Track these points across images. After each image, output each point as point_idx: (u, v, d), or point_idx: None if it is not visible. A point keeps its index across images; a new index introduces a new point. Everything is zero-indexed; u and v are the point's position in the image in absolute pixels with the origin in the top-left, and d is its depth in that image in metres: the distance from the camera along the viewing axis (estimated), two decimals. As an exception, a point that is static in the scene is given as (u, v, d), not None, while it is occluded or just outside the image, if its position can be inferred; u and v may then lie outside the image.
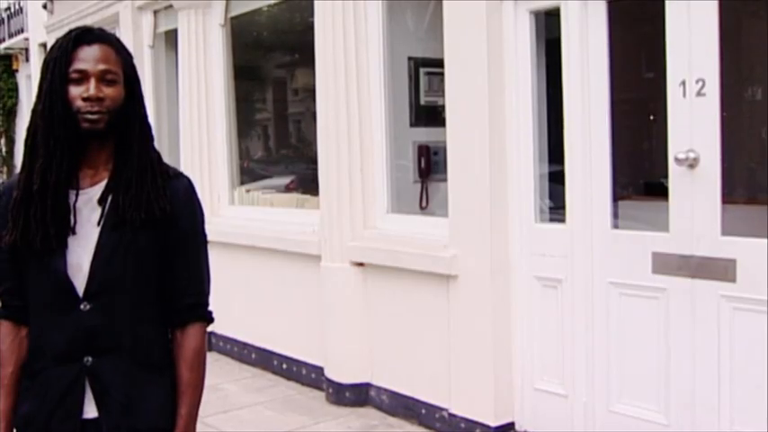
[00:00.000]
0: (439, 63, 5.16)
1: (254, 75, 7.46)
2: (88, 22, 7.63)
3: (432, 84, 5.20)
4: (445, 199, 5.10)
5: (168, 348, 1.92)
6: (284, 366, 5.43)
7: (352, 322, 4.78)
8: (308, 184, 6.49)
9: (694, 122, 3.26)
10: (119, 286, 1.82)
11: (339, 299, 4.81)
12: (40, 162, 1.80)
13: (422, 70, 5.16)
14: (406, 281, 4.44)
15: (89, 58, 1.80)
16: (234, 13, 6.11)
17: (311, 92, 7.10)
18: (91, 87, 1.79)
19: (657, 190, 5.87)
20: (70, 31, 1.84)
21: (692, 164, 3.26)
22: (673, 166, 3.32)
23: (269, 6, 6.06)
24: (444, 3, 4.08)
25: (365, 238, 4.74)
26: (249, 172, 6.85)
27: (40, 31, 9.77)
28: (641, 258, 3.50)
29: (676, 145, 3.32)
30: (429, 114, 5.24)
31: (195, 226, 1.94)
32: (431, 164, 5.18)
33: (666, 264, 3.41)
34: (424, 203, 5.17)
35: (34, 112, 1.84)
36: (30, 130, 1.85)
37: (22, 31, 13.38)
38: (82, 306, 1.81)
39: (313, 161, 7.33)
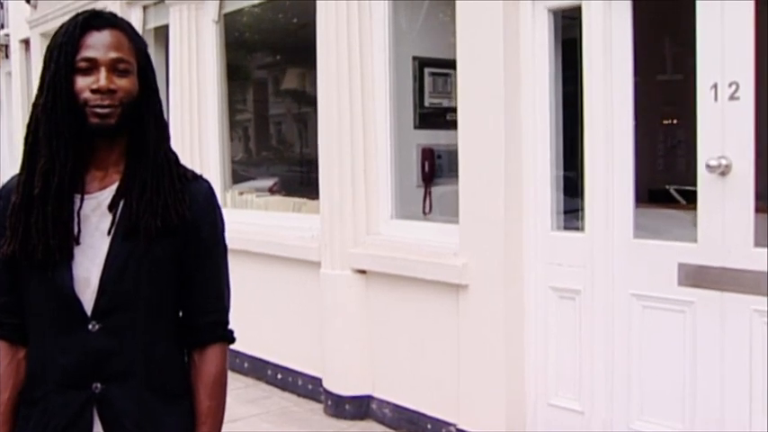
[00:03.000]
0: (444, 63, 5.01)
1: (248, 74, 7.24)
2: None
3: (436, 84, 5.02)
4: (448, 204, 4.93)
5: (185, 372, 1.71)
6: (279, 376, 5.22)
7: (353, 331, 4.58)
8: (291, 186, 6.29)
9: (726, 128, 3.10)
10: (131, 303, 1.61)
11: (339, 307, 4.61)
12: (41, 163, 1.59)
13: (426, 70, 4.97)
14: (411, 289, 4.24)
15: (99, 44, 1.59)
16: (228, 9, 5.90)
17: (301, 92, 6.94)
18: (101, 78, 1.58)
19: (662, 198, 5.75)
20: (77, 15, 1.63)
21: (724, 171, 3.10)
22: (703, 173, 3.16)
23: (265, 3, 5.85)
24: (457, 1, 3.89)
25: (368, 245, 4.54)
26: (233, 173, 6.62)
27: (21, 27, 9.45)
28: (666, 269, 3.33)
29: (706, 151, 3.15)
30: (433, 116, 5.05)
31: (216, 234, 1.73)
32: (434, 168, 5.00)
33: (694, 275, 3.24)
34: (427, 209, 4.98)
35: (35, 105, 1.63)
36: (30, 126, 1.64)
37: (2, 26, 13.03)
38: (90, 326, 1.59)
39: (298, 163, 7.16)
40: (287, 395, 5.10)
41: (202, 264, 1.70)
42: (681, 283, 3.29)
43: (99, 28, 1.61)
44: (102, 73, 1.58)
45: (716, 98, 3.12)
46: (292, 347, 5.10)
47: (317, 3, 4.63)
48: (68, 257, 1.59)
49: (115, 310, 1.60)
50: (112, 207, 1.62)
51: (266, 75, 7.57)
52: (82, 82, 1.58)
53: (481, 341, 3.85)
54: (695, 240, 3.25)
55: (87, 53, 1.59)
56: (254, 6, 5.96)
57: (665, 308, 3.35)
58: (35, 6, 8.24)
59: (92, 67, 1.58)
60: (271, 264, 5.17)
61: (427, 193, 4.99)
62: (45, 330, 1.63)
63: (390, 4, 4.59)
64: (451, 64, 4.97)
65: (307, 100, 6.92)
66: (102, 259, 1.60)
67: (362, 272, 4.54)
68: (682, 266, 3.29)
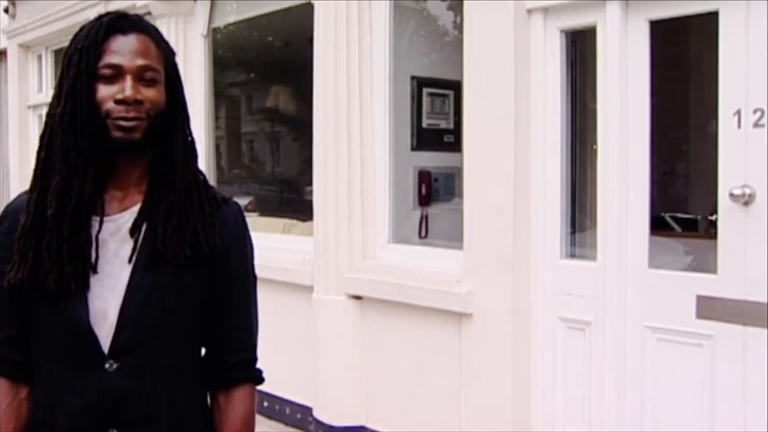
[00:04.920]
0: (442, 83, 4.90)
1: (225, 91, 7.07)
2: (54, 28, 7.18)
3: (434, 105, 4.89)
4: (445, 228, 4.79)
5: (210, 416, 1.54)
6: (265, 404, 5.01)
7: (347, 359, 4.40)
8: (267, 206, 6.13)
9: (750, 155, 2.99)
10: (154, 340, 1.44)
11: (332, 334, 4.43)
12: (56, 180, 1.42)
13: (425, 90, 4.83)
14: (410, 317, 4.08)
15: (125, 50, 1.43)
16: (218, 23, 5.74)
17: (281, 109, 6.80)
18: (127, 87, 1.41)
19: (656, 225, 5.67)
20: (101, 17, 1.47)
21: (748, 200, 2.99)
22: (725, 202, 3.05)
23: (254, 18, 5.69)
24: (465, 19, 3.77)
25: (364, 270, 4.38)
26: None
27: (-2, 37, 9.21)
28: (683, 301, 3.20)
29: (729, 179, 3.04)
30: (431, 138, 4.92)
31: (246, 264, 1.57)
32: (431, 190, 4.86)
33: (713, 308, 3.12)
34: (423, 233, 4.83)
35: (51, 116, 1.45)
36: (43, 138, 1.46)
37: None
38: (107, 365, 1.42)
39: (277, 182, 6.98)
40: (274, 424, 4.90)
41: (231, 296, 1.53)
42: (699, 316, 3.17)
43: (125, 31, 1.44)
44: (128, 82, 1.41)
45: (739, 125, 3.02)
46: (281, 374, 4.89)
47: (315, 17, 4.48)
48: (84, 287, 1.41)
49: (136, 347, 1.42)
50: (134, 231, 1.45)
51: (240, 92, 7.41)
52: (105, 91, 1.41)
53: (485, 372, 3.69)
54: (715, 272, 3.13)
55: (111, 59, 1.42)
56: (238, 23, 5.81)
57: (682, 341, 3.22)
58: (14, 16, 8.00)
59: (116, 74, 1.42)
60: (260, 287, 4.96)
61: (423, 217, 4.84)
62: (54, 369, 1.44)
63: (392, 18, 4.45)
64: (449, 84, 4.87)
65: (286, 117, 6.79)
66: (121, 290, 1.43)
67: (358, 297, 4.37)
68: (700, 298, 3.17)
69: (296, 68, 6.41)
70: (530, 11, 3.59)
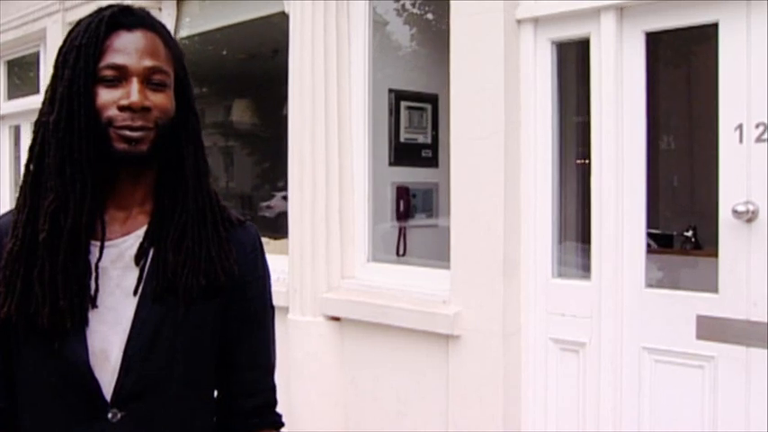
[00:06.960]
0: (422, 97, 4.77)
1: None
2: (8, 37, 6.87)
3: (412, 119, 4.74)
4: (424, 246, 4.64)
5: None
6: (235, 431, 4.78)
7: (325, 384, 4.20)
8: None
9: (752, 171, 2.90)
10: (163, 384, 1.25)
11: (309, 356, 4.22)
12: (50, 198, 1.22)
13: (403, 104, 4.69)
14: (393, 339, 3.90)
15: (130, 48, 1.24)
16: (184, 33, 5.52)
17: (229, 123, 6.61)
18: (133, 92, 1.22)
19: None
20: (101, 9, 1.27)
21: (751, 217, 2.90)
22: (727, 219, 2.95)
23: (224, 28, 5.49)
24: (452, 29, 3.63)
25: (343, 290, 4.19)
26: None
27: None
28: (683, 322, 3.09)
29: (730, 196, 2.95)
30: (409, 152, 4.77)
31: (265, 294, 1.39)
32: (410, 207, 4.71)
33: (715, 329, 3.02)
34: (401, 250, 4.68)
35: (42, 124, 1.26)
36: (34, 149, 1.26)
37: None
38: (110, 415, 1.22)
39: (237, 196, 6.78)
40: (245, 452, 4.67)
41: (248, 332, 1.35)
42: (700, 337, 3.06)
43: (130, 27, 1.25)
44: (134, 85, 1.23)
45: (741, 140, 2.93)
46: (252, 400, 4.68)
47: (291, 26, 4.30)
48: (82, 323, 1.22)
49: (142, 393, 1.23)
50: (140, 258, 1.26)
51: (200, 105, 7.19)
52: (106, 95, 1.22)
53: (475, 397, 3.54)
54: (716, 291, 3.03)
55: (115, 59, 1.23)
56: (194, 36, 5.60)
57: (681, 362, 3.11)
58: (-37, 25, 7.65)
59: (120, 76, 1.23)
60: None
61: (401, 234, 4.68)
62: (47, 419, 1.24)
63: (370, 29, 4.30)
64: (428, 98, 4.74)
65: (241, 132, 6.61)
66: (126, 326, 1.24)
67: (336, 319, 4.18)
68: (701, 319, 3.06)
69: (257, 81, 6.24)
70: (519, 21, 3.48)
